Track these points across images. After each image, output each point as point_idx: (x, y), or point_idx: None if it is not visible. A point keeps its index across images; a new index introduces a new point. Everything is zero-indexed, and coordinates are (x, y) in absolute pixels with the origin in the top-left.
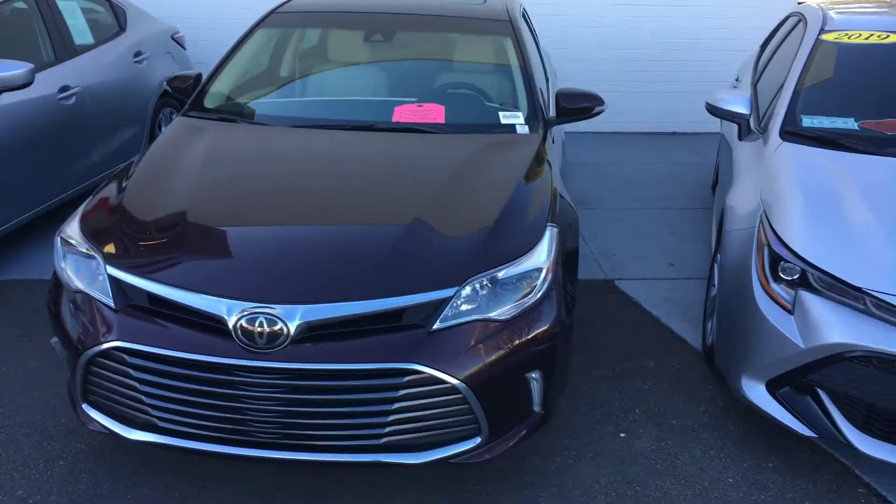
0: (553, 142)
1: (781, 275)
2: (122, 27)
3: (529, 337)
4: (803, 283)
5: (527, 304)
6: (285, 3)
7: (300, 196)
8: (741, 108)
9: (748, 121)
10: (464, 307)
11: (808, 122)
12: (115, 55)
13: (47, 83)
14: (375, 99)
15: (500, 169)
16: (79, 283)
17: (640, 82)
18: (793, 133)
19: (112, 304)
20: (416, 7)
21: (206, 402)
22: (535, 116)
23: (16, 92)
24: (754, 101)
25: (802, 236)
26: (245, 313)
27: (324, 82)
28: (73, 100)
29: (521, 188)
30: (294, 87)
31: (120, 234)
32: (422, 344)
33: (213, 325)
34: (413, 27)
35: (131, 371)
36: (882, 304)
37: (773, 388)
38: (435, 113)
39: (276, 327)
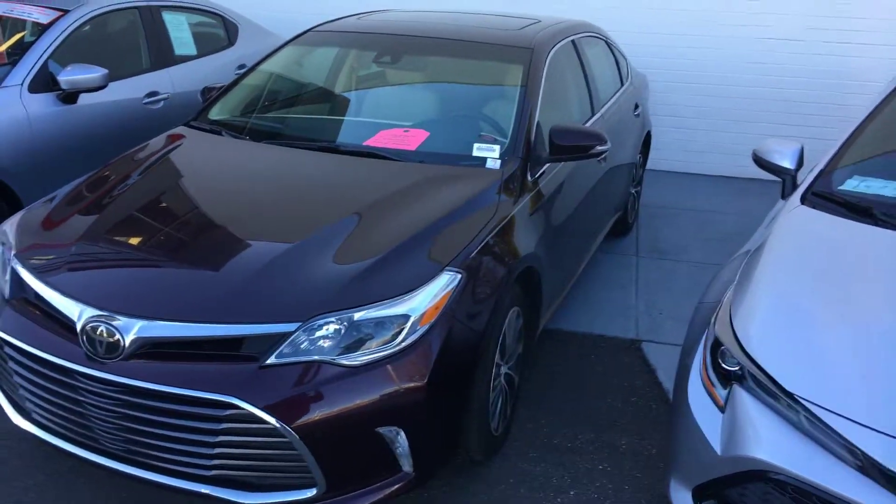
0: (540, 181)
1: (721, 363)
2: (231, 41)
3: (385, 389)
4: (742, 378)
5: (384, 353)
6: (325, 22)
7: (195, 210)
8: (787, 163)
9: (794, 177)
10: (306, 345)
11: (849, 184)
12: (216, 66)
13: (136, 88)
14: (360, 120)
15: (429, 203)
16: None
17: (774, 124)
18: (821, 196)
19: (6, 295)
20: (441, 30)
21: (60, 403)
22: (514, 151)
23: (101, 93)
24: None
25: (752, 320)
26: (91, 319)
27: (320, 102)
28: (159, 105)
29: (435, 225)
30: (289, 104)
31: (37, 231)
32: (249, 378)
33: (68, 327)
34: (429, 51)
35: (10, 361)
36: (814, 420)
37: (698, 497)
38: (412, 139)
39: (114, 338)
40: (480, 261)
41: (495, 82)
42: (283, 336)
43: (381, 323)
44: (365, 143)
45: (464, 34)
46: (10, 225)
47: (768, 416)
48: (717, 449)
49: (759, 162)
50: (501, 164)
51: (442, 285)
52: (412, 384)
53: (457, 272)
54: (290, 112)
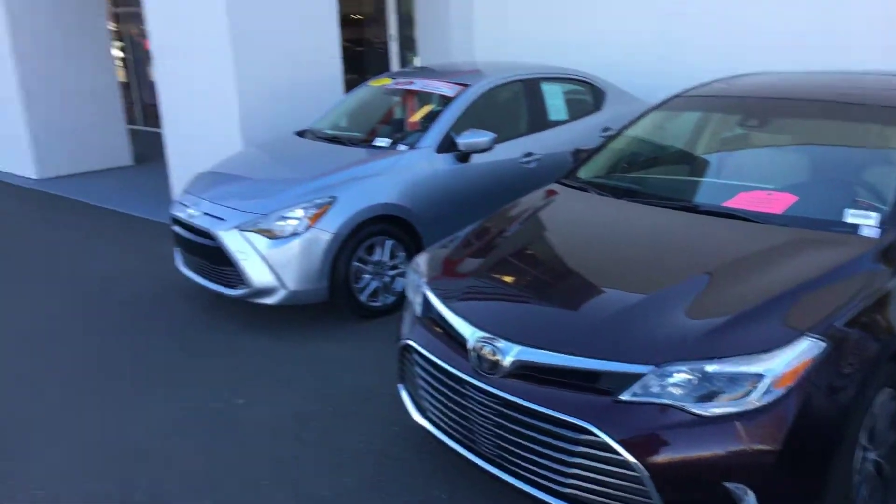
0: None
1: None
2: (598, 106)
3: (734, 446)
4: None
5: (735, 409)
6: (692, 87)
7: (563, 257)
8: None
9: None
10: (657, 389)
11: None
12: (583, 130)
13: (515, 149)
14: (720, 182)
15: (791, 267)
16: (409, 293)
17: None
18: None
19: (418, 313)
20: (817, 92)
21: (450, 406)
22: (894, 219)
23: (488, 153)
24: None
25: None
26: (479, 340)
27: (680, 163)
28: (534, 164)
29: (797, 289)
30: (651, 165)
31: (441, 265)
32: (604, 410)
33: (461, 343)
34: (800, 114)
35: (416, 366)
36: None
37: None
38: (776, 202)
39: (496, 357)
40: (848, 332)
41: (877, 145)
42: (636, 377)
43: (733, 378)
44: (724, 204)
45: (841, 95)
46: (423, 258)
47: None
48: None
49: None
50: (880, 233)
51: (801, 350)
52: (763, 447)
53: (820, 339)
54: (652, 172)
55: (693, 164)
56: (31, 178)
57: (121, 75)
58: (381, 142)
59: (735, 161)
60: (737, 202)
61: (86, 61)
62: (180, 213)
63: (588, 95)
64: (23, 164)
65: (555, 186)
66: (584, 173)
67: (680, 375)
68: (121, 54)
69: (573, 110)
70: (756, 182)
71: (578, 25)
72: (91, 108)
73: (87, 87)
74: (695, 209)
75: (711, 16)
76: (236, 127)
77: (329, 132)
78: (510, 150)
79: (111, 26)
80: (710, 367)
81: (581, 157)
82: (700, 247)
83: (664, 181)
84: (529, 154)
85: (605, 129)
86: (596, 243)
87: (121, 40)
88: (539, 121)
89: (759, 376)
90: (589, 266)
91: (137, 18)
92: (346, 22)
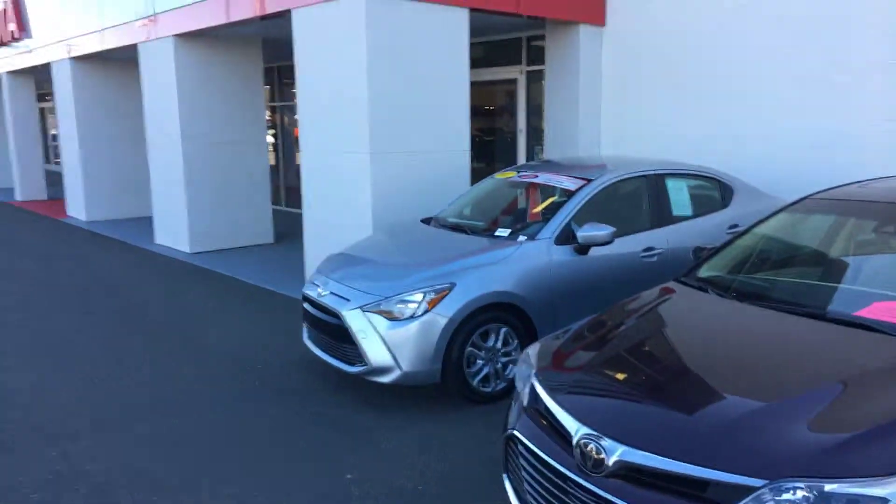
0: None
1: None
2: (726, 203)
3: None
4: None
5: None
6: (824, 190)
7: (677, 358)
8: None
9: None
10: None
11: None
12: (709, 226)
13: (635, 243)
14: (851, 289)
15: None
16: (518, 383)
17: None
18: None
19: (525, 403)
20: None
21: (551, 501)
22: None
23: (607, 247)
24: None
25: None
26: (584, 437)
27: (808, 267)
28: (654, 259)
29: None
30: (776, 268)
31: (551, 357)
32: None
33: (567, 438)
34: None
35: (520, 458)
36: None
37: None
38: None
39: (600, 456)
40: None
41: None
42: (749, 490)
43: (854, 501)
44: (855, 314)
45: None
46: (533, 349)
47: None
48: None
49: None
50: None
51: None
52: None
53: None
54: (777, 275)
55: (823, 269)
56: (184, 252)
57: (270, 158)
58: (502, 232)
59: (870, 268)
60: (870, 312)
61: (244, 148)
62: (310, 292)
63: (715, 192)
64: (180, 239)
65: (673, 284)
66: (704, 272)
67: (797, 493)
68: (272, 140)
69: (699, 206)
70: (893, 291)
71: (711, 119)
72: (243, 190)
73: (242, 171)
74: (823, 317)
75: (861, 111)
76: (368, 214)
77: (453, 220)
78: (630, 245)
79: (268, 115)
80: (830, 487)
81: (702, 255)
82: (827, 357)
83: (790, 285)
84: (650, 249)
85: (733, 227)
86: (713, 346)
87: (274, 127)
88: (662, 216)
89: (884, 500)
90: (705, 369)
91: (290, 110)
92: (478, 112)
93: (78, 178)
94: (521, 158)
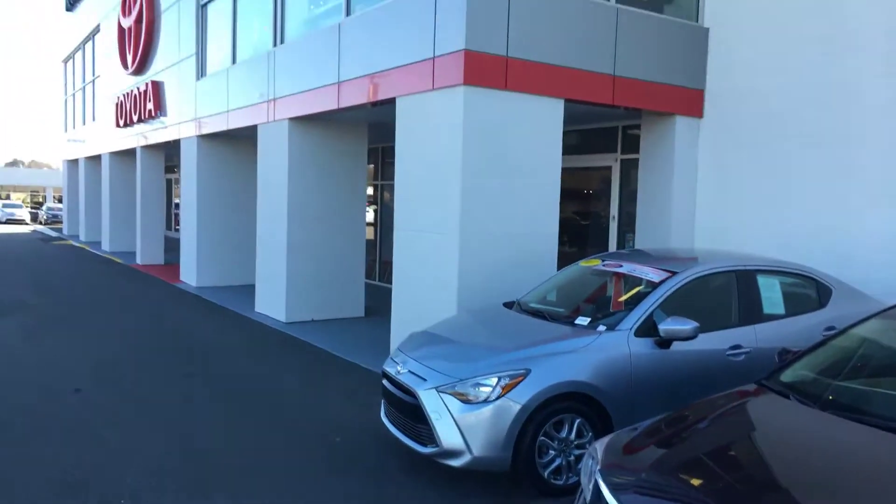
0: None
1: None
2: (822, 303)
3: None
4: None
5: None
6: None
7: (753, 467)
8: None
9: None
10: None
11: None
12: (803, 327)
13: (721, 340)
14: None
15: None
16: (583, 478)
17: None
18: None
19: (587, 499)
20: None
21: None
22: None
23: (690, 342)
24: None
25: None
26: None
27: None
28: (741, 357)
29: None
30: (867, 377)
31: (619, 453)
32: None
33: None
34: None
35: None
36: None
37: None
38: None
39: None
40: None
41: None
42: None
43: None
44: None
45: None
46: (601, 444)
47: None
48: None
49: None
50: None
51: None
52: None
53: None
54: (870, 385)
55: None
56: (279, 321)
57: (369, 233)
58: (582, 320)
59: None
60: None
61: (344, 223)
62: (389, 369)
63: (811, 290)
64: (276, 308)
65: (755, 387)
66: (788, 376)
67: None
68: (372, 215)
69: (792, 305)
70: None
71: (811, 214)
72: (338, 264)
73: (341, 245)
74: None
75: None
76: (453, 294)
77: (534, 306)
78: (716, 341)
79: (369, 191)
80: None
81: (787, 358)
82: None
83: (879, 397)
84: (737, 347)
85: (829, 328)
86: (792, 458)
87: (374, 203)
88: (751, 313)
89: None
90: (782, 481)
91: (390, 189)
92: (571, 196)
93: (192, 246)
94: (613, 245)
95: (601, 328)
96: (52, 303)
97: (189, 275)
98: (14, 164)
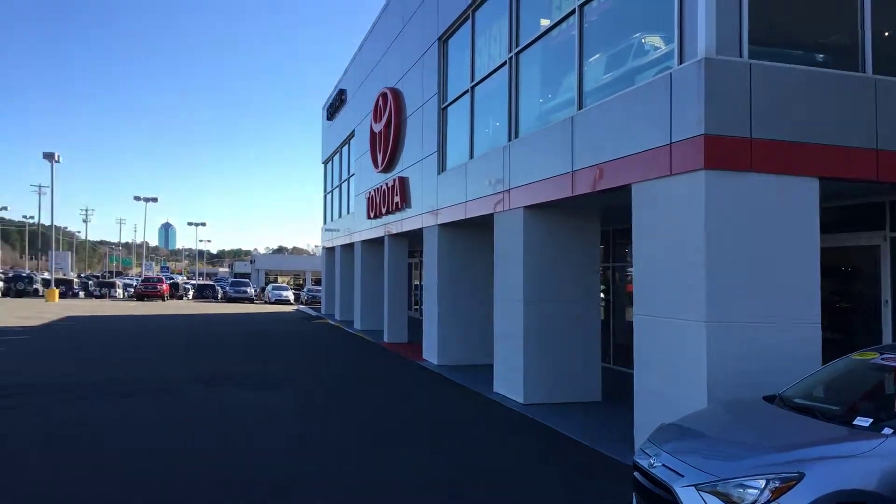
0: None
1: None
2: None
3: None
4: None
5: None
6: None
7: None
8: None
9: None
10: None
11: None
12: None
13: None
14: None
15: None
16: None
17: None
18: None
19: None
20: None
21: None
22: None
23: None
24: None
25: None
26: None
27: None
28: None
29: None
30: None
31: None
32: None
33: None
34: None
35: None
36: None
37: None
38: None
39: None
40: None
41: None
42: None
43: None
44: None
45: None
46: None
47: None
48: None
49: None
50: None
51: None
52: None
53: None
54: None
55: None
56: (517, 402)
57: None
58: (862, 421)
59: None
60: None
61: (579, 306)
62: (642, 461)
63: None
64: (514, 389)
65: None
66: None
67: None
68: (603, 296)
69: None
70: None
71: None
72: (574, 345)
73: (576, 327)
74: None
75: None
76: (702, 385)
77: (800, 401)
78: None
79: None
80: None
81: None
82: None
83: None
84: None
85: None
86: None
87: (605, 284)
88: None
89: None
90: None
91: (622, 270)
92: (829, 275)
93: (434, 326)
94: (887, 334)
95: (887, 431)
96: (311, 381)
97: (430, 353)
98: (279, 250)
